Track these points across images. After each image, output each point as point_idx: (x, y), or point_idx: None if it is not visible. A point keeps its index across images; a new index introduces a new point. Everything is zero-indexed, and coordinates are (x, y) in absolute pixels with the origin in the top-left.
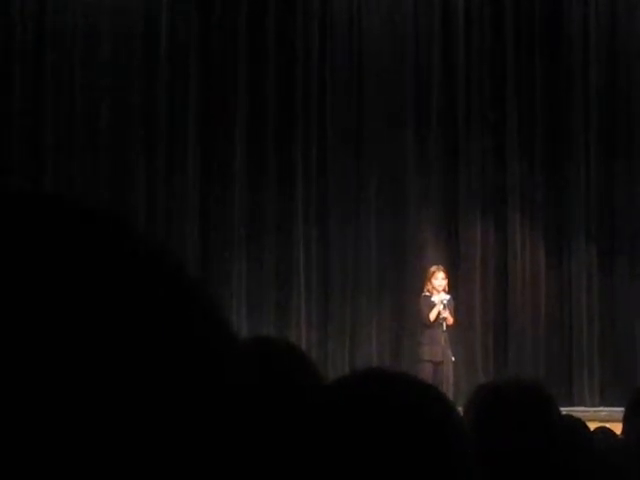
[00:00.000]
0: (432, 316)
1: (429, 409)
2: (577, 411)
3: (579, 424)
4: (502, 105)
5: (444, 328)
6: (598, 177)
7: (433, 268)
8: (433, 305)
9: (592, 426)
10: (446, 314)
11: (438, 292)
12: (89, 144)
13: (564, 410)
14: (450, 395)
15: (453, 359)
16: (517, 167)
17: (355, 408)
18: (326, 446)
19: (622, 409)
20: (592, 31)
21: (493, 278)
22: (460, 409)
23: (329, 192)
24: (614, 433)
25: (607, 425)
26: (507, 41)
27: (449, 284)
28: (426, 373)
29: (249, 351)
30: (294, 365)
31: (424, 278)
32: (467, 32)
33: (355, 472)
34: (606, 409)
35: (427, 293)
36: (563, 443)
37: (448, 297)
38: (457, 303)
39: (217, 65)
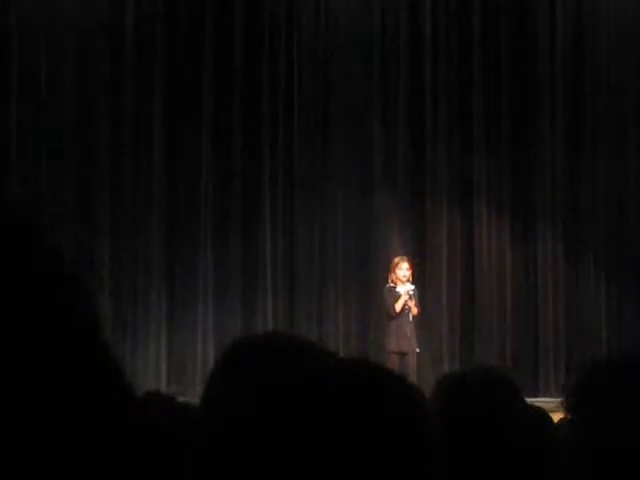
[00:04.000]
0: (398, 307)
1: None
2: (543, 402)
3: (544, 414)
4: (469, 96)
5: (410, 319)
6: (564, 167)
7: (397, 259)
8: (398, 296)
9: (557, 417)
10: (411, 304)
11: (402, 283)
12: (54, 144)
13: (530, 401)
14: None
15: (418, 350)
16: (483, 157)
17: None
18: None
19: None
20: (559, 21)
21: (459, 268)
22: None
23: (295, 184)
24: None
25: None
26: (474, 35)
27: (414, 274)
28: (392, 364)
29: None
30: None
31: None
32: (434, 25)
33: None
34: None
35: (391, 284)
36: (528, 432)
37: (413, 287)
38: (423, 294)
39: (183, 59)
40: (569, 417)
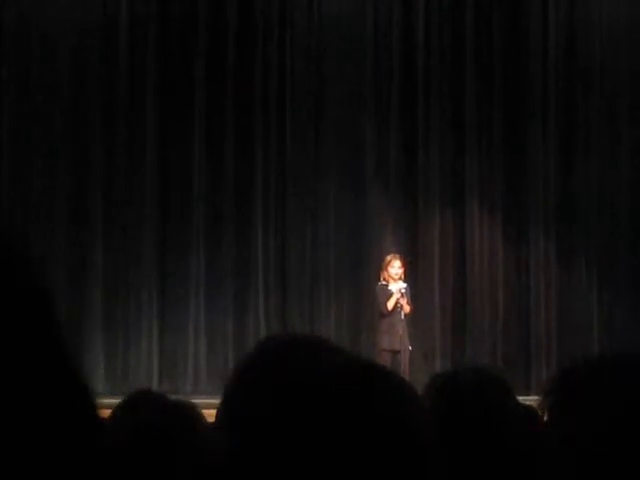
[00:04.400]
0: (390, 305)
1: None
2: (534, 400)
3: (535, 413)
4: (462, 97)
5: (402, 317)
6: (556, 169)
7: (389, 257)
8: (390, 294)
9: None
10: (404, 303)
11: (395, 281)
12: (47, 144)
13: (521, 399)
14: None
15: (410, 348)
16: (475, 158)
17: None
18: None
19: None
20: (551, 25)
21: (451, 267)
22: None
23: (287, 184)
24: None
25: None
26: (467, 35)
27: (407, 273)
28: (384, 362)
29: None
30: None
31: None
32: (427, 22)
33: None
34: None
35: (383, 282)
36: (519, 431)
37: (405, 285)
38: (415, 292)
39: (175, 60)
40: (546, 417)
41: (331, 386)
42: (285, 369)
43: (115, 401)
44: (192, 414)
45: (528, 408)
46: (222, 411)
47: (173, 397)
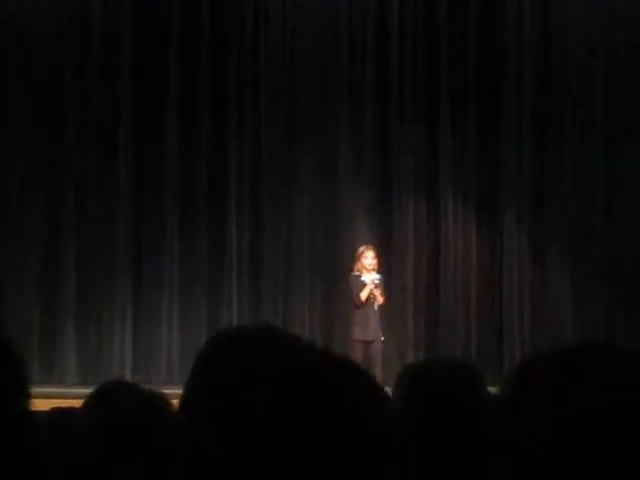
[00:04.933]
0: (363, 296)
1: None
2: None
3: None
4: (436, 88)
5: (375, 308)
6: (529, 156)
7: (362, 248)
8: (363, 285)
9: None
10: (377, 294)
11: (368, 271)
12: (21, 127)
13: (494, 390)
14: (380, 375)
15: (383, 339)
16: (449, 148)
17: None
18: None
19: None
20: (526, 13)
21: (425, 258)
22: (389, 389)
23: (262, 173)
24: None
25: None
26: (441, 24)
27: (380, 264)
28: (357, 353)
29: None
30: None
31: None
32: (401, 15)
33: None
34: None
35: (357, 273)
36: (490, 422)
37: (379, 277)
38: (389, 283)
39: (149, 50)
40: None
41: (279, 378)
42: (234, 364)
43: (88, 391)
44: (163, 404)
45: (500, 398)
46: (181, 403)
47: (146, 387)
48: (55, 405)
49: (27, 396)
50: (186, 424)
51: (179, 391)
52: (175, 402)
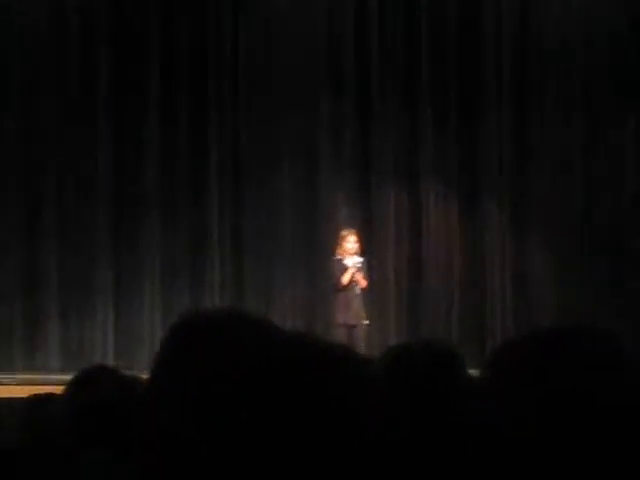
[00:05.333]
0: (345, 279)
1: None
2: None
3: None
4: (417, 73)
5: (357, 291)
6: (510, 145)
7: (344, 232)
8: (345, 268)
9: None
10: (359, 277)
11: (350, 255)
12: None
13: (476, 373)
14: None
15: (367, 322)
16: (430, 131)
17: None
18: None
19: None
20: (504, 5)
21: (406, 241)
22: None
23: (242, 158)
24: None
25: None
26: (421, 11)
27: (362, 247)
28: (340, 337)
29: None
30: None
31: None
32: (381, 8)
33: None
34: None
35: (339, 256)
36: (470, 404)
37: (361, 260)
38: (370, 266)
39: (129, 36)
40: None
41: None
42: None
43: (70, 377)
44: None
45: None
46: (148, 388)
47: (128, 373)
48: (37, 392)
49: None
50: (151, 410)
51: None
52: None
